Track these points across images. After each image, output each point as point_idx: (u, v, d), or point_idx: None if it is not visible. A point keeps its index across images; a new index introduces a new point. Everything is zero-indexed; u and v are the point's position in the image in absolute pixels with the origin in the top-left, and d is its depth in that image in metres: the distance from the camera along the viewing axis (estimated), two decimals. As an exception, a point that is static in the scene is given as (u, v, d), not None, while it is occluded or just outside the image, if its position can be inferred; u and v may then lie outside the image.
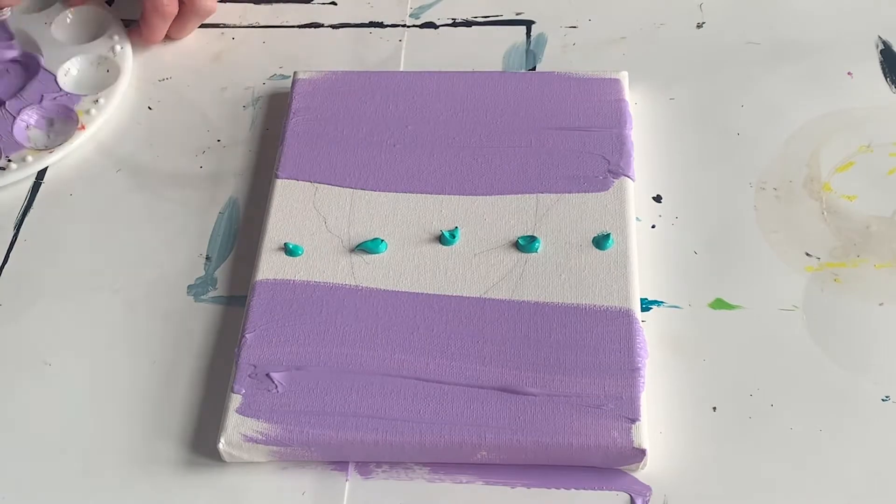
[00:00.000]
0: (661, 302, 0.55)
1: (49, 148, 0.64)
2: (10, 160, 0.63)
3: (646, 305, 0.54)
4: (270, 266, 0.55)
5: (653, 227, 0.58)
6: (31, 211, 0.61)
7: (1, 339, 0.55)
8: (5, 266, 0.59)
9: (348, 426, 0.49)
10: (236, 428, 0.49)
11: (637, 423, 0.48)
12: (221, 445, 0.49)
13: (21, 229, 0.61)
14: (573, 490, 0.48)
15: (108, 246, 0.59)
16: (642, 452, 0.48)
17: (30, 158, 0.63)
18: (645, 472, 0.49)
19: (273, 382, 0.50)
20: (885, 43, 0.66)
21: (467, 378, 0.50)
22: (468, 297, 0.53)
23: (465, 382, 0.50)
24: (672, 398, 0.51)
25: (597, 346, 0.51)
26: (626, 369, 0.50)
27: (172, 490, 0.50)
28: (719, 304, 0.55)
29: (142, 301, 0.56)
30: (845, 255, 0.56)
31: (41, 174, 0.63)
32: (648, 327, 0.54)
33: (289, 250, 0.56)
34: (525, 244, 0.55)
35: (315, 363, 0.51)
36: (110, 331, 0.55)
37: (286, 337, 0.52)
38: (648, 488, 0.48)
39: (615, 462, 0.48)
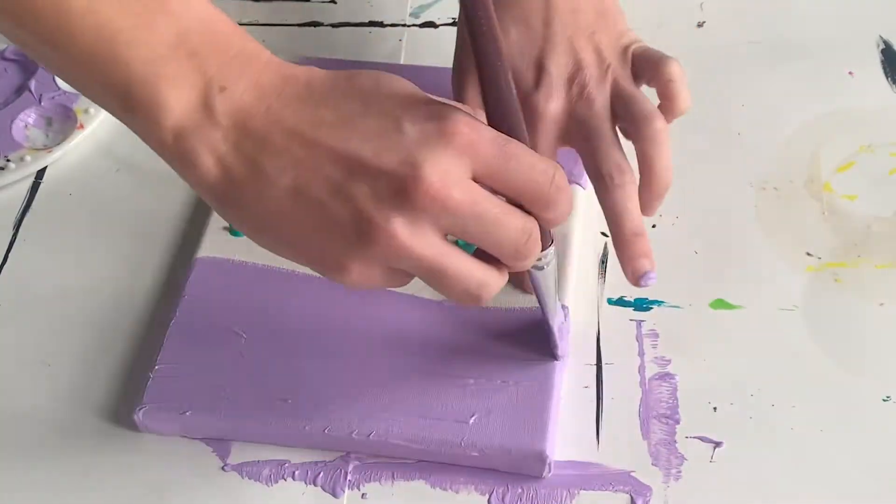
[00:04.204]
0: (662, 302, 0.55)
1: (48, 147, 0.63)
2: (8, 160, 0.63)
3: (646, 305, 0.54)
4: (214, 244, 0.56)
5: (653, 227, 0.58)
6: (31, 211, 0.61)
7: (1, 339, 0.55)
8: (5, 266, 0.59)
9: (274, 411, 0.49)
10: (154, 400, 0.50)
11: (543, 429, 0.48)
12: (137, 416, 0.50)
13: (20, 229, 0.60)
14: (574, 491, 0.48)
15: (107, 246, 0.59)
16: (543, 460, 0.48)
17: (28, 158, 0.62)
18: (645, 473, 0.49)
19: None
20: (885, 42, 0.66)
21: (377, 379, 0.50)
22: (405, 296, 0.53)
23: (374, 384, 0.50)
24: (672, 398, 0.51)
25: (517, 348, 0.51)
26: (541, 374, 0.50)
27: (173, 489, 0.49)
28: (719, 304, 0.55)
29: (142, 301, 0.56)
30: (846, 255, 0.56)
31: (40, 174, 0.63)
32: (648, 327, 0.54)
33: (233, 231, 0.56)
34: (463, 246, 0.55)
35: (245, 344, 0.52)
36: (110, 331, 0.55)
37: (218, 318, 0.53)
38: (649, 489, 0.48)
39: (519, 467, 0.48)
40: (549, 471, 0.48)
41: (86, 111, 0.65)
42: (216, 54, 0.40)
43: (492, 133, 0.40)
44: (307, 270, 0.52)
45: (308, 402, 0.50)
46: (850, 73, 0.65)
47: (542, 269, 0.45)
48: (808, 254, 0.56)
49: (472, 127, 0.39)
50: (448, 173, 0.38)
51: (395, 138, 0.39)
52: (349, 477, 0.50)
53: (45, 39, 0.39)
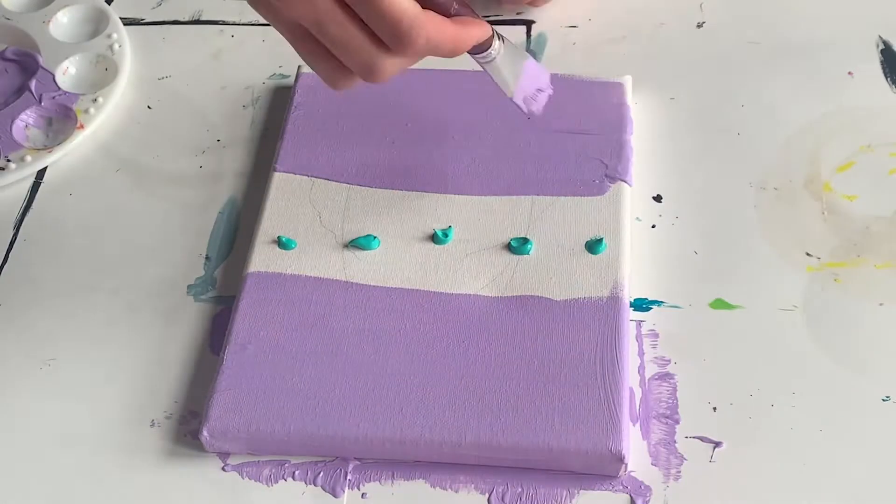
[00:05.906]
0: (661, 302, 0.55)
1: (48, 147, 0.63)
2: (9, 160, 0.63)
3: (646, 305, 0.54)
4: (262, 258, 0.55)
5: (653, 227, 0.58)
6: (31, 211, 0.61)
7: (1, 339, 0.55)
8: (5, 266, 0.59)
9: (330, 422, 0.49)
10: (219, 418, 0.49)
11: (618, 429, 0.48)
12: (204, 435, 0.49)
13: (21, 229, 0.60)
14: (574, 490, 0.48)
15: (107, 246, 0.59)
16: (620, 460, 0.48)
17: (29, 158, 0.63)
18: (645, 473, 0.49)
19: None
20: (885, 43, 0.66)
21: (450, 377, 0.50)
22: (455, 295, 0.53)
23: (448, 382, 0.50)
24: (672, 398, 0.51)
25: (582, 348, 0.51)
26: (610, 373, 0.50)
27: (173, 489, 0.50)
28: (719, 304, 0.55)
29: (142, 301, 0.56)
30: (846, 255, 0.56)
31: (40, 174, 0.63)
32: (648, 327, 0.54)
33: (282, 243, 0.56)
34: (517, 246, 0.55)
35: (302, 358, 0.51)
36: (110, 331, 0.55)
37: (274, 330, 0.52)
38: (649, 489, 0.48)
39: (594, 468, 0.48)
40: (626, 470, 0.48)
41: (86, 111, 0.65)
42: None
43: None
44: (360, 280, 0.54)
45: (381, 409, 0.49)
46: (849, 73, 0.65)
47: (490, 62, 0.53)
48: (808, 254, 0.56)
49: None
50: None
51: None
52: (349, 477, 0.50)
53: None
